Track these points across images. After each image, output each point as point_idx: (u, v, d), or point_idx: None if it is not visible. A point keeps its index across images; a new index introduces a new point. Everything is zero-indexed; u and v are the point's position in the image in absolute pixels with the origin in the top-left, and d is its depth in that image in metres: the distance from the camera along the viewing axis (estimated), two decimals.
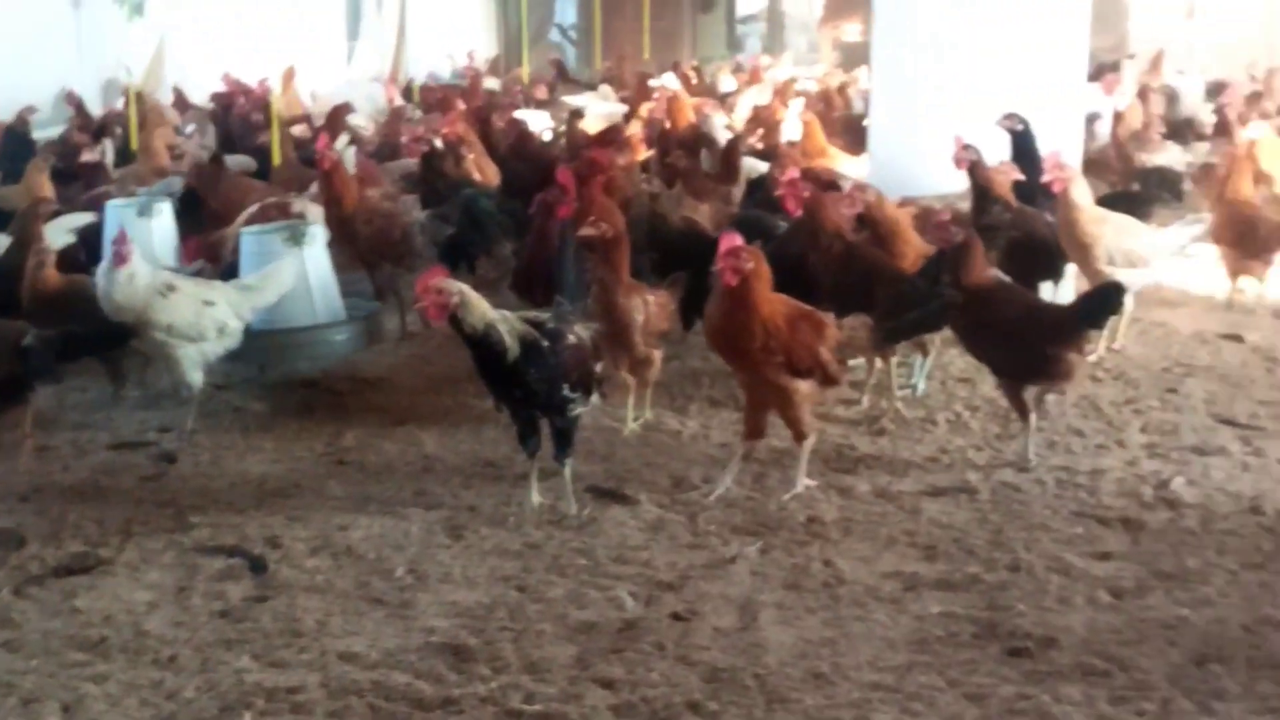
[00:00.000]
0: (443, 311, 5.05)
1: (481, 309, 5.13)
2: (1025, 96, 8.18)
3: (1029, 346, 5.82)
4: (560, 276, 5.78)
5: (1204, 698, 4.04)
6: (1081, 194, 7.15)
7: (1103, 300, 5.98)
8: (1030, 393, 6.00)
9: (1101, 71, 16.29)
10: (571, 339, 5.36)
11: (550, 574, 4.95)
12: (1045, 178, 7.23)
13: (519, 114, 11.86)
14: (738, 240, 5.44)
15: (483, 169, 9.72)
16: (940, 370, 7.27)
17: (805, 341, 5.50)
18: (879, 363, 6.78)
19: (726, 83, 17.05)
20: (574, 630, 4.52)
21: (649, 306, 6.31)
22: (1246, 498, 5.55)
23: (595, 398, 5.68)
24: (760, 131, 12.19)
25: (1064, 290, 7.62)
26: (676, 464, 6.06)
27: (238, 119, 12.83)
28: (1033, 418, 5.99)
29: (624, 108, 14.06)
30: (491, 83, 17.00)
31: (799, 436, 5.67)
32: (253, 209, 7.83)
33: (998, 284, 6.11)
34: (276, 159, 10.39)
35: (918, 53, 8.44)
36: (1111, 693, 4.08)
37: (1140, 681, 4.13)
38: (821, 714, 4.01)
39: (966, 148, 7.50)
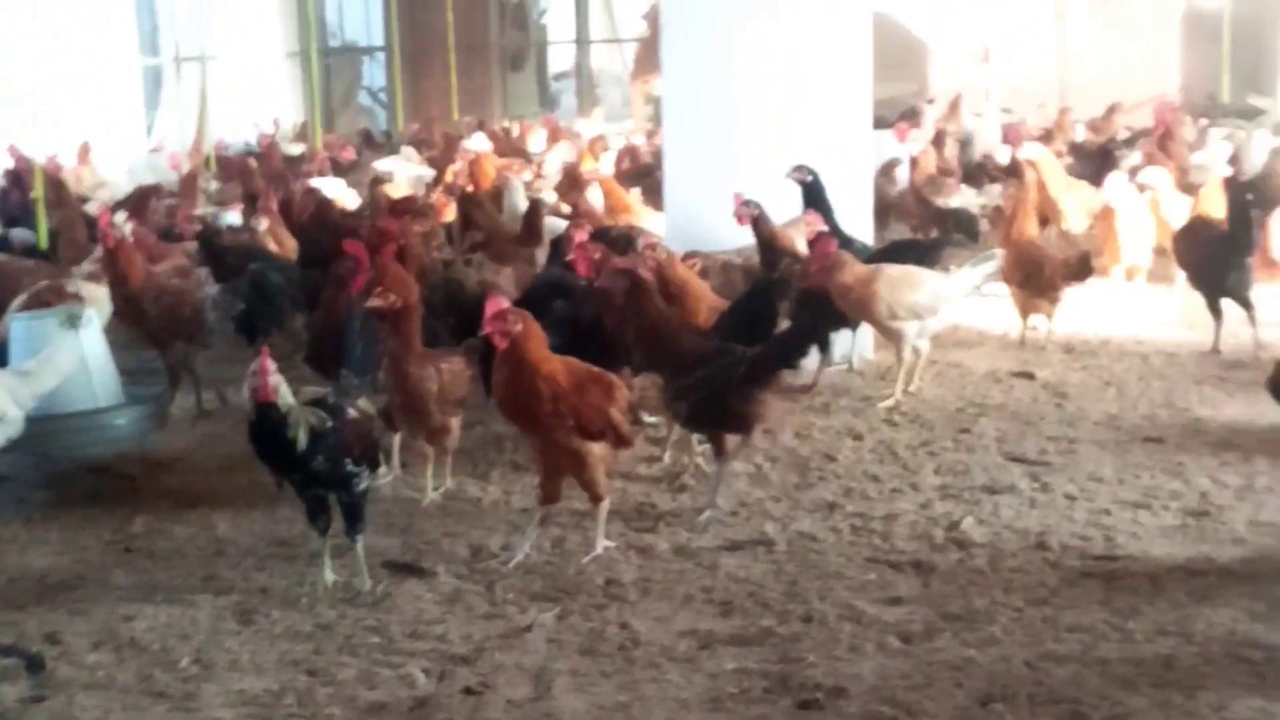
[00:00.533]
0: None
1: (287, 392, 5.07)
2: (814, 146, 8.33)
3: (713, 395, 5.86)
4: (346, 349, 5.70)
5: None
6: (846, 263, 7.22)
7: (793, 344, 5.98)
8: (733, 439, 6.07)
9: (904, 117, 16.76)
10: (353, 413, 5.27)
11: (342, 655, 4.84)
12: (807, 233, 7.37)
13: (315, 182, 11.73)
14: (503, 303, 5.43)
15: (280, 239, 9.57)
16: None
17: (595, 403, 5.49)
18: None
19: (537, 142, 17.09)
20: (364, 712, 4.42)
21: (443, 375, 6.25)
22: (1033, 534, 5.68)
23: (385, 470, 5.59)
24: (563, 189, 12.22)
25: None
26: (477, 532, 5.99)
27: (17, 198, 12.47)
28: (726, 465, 6.08)
29: (430, 171, 14.00)
30: (296, 148, 16.80)
31: (595, 499, 5.65)
32: (23, 296, 7.59)
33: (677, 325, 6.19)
34: (42, 241, 10.15)
35: (706, 106, 8.54)
36: None
37: None
38: None
39: (746, 203, 7.62)
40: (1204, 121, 13.99)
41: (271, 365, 5.01)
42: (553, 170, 13.47)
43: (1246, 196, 8.37)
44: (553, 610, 5.12)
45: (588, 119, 20.23)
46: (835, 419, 7.41)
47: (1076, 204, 10.75)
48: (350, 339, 5.74)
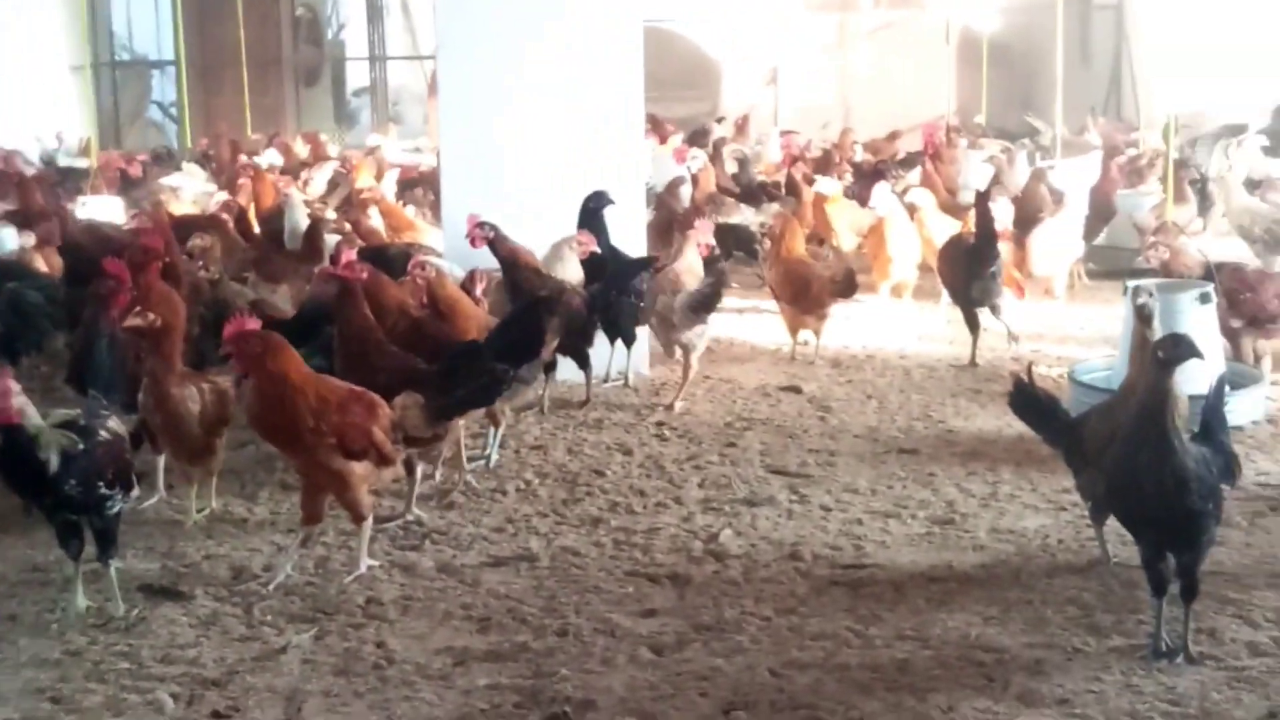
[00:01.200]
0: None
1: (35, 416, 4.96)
2: (588, 165, 8.46)
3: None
4: (94, 369, 5.61)
5: None
6: None
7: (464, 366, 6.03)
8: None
9: (697, 136, 17.02)
10: (104, 435, 5.19)
11: (90, 681, 4.75)
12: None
13: (90, 199, 11.44)
14: (245, 324, 5.43)
15: (48, 258, 9.33)
16: (515, 439, 7.40)
17: (356, 422, 5.50)
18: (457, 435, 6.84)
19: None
20: None
21: (206, 395, 6.18)
22: (788, 545, 5.84)
23: (138, 491, 5.51)
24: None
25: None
26: (240, 554, 5.94)
27: None
28: (419, 472, 6.22)
29: (214, 187, 13.75)
30: (81, 162, 16.35)
31: (357, 519, 5.65)
32: None
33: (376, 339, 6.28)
34: None
35: (481, 125, 8.59)
36: None
37: None
38: None
39: (480, 225, 7.70)
40: (964, 144, 14.50)
41: (15, 386, 4.91)
42: (319, 188, 13.34)
43: (989, 210, 8.73)
44: (309, 631, 5.11)
45: (385, 135, 20.07)
46: (606, 434, 7.52)
47: (847, 222, 11.07)
48: (98, 359, 5.64)
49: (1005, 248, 9.27)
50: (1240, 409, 6.92)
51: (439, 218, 10.99)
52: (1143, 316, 5.31)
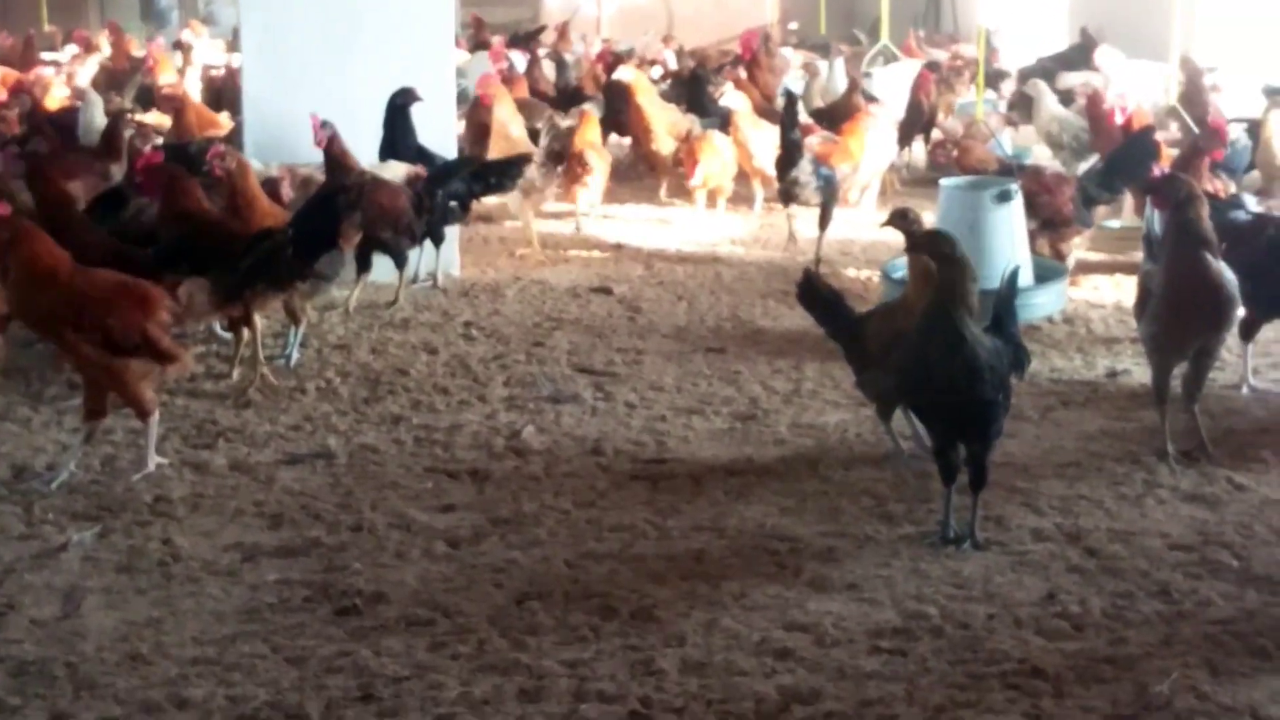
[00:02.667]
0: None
1: None
2: (394, 65, 8.26)
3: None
4: None
5: (519, 634, 4.18)
6: None
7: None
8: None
9: (518, 41, 16.78)
10: None
11: None
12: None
13: None
14: None
15: None
16: (318, 338, 7.23)
17: (126, 317, 5.28)
18: (247, 333, 6.65)
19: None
20: None
21: None
22: (590, 441, 5.81)
23: None
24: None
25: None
26: (22, 453, 5.71)
27: None
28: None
29: None
30: None
31: (141, 415, 5.47)
32: None
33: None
34: None
35: (282, 22, 8.31)
36: (432, 640, 4.16)
37: (461, 626, 4.23)
38: (133, 696, 3.88)
39: (324, 125, 7.52)
40: (789, 51, 14.55)
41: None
42: (84, 82, 12.81)
43: (795, 108, 8.71)
44: (93, 529, 4.94)
45: (196, 35, 19.39)
46: (413, 334, 7.39)
47: (664, 125, 11.00)
48: None
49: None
50: (1041, 303, 7.07)
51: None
52: (908, 238, 5.26)
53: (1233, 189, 7.98)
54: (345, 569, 4.60)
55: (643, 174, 11.56)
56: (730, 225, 10.10)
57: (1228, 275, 5.37)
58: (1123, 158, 7.68)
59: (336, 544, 4.82)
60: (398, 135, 8.12)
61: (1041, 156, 10.86)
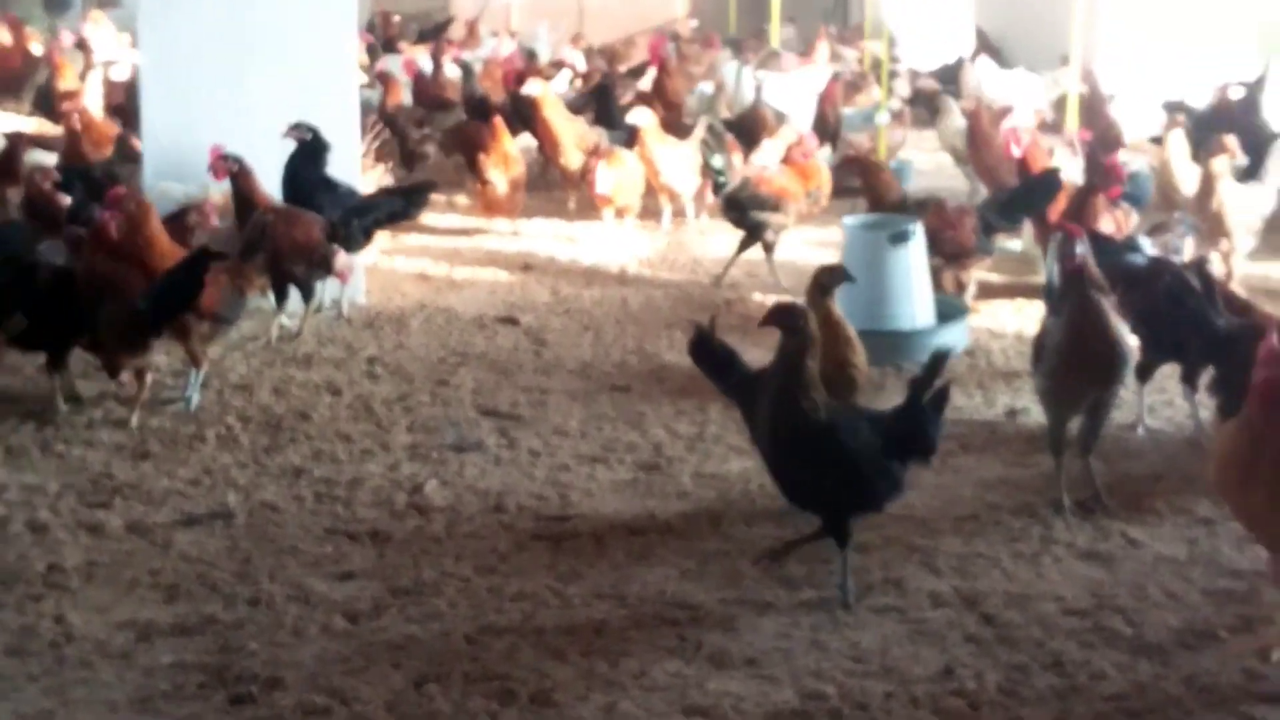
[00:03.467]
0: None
1: None
2: (296, 87, 8.18)
3: None
4: None
5: None
6: None
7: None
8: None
9: (426, 35, 16.67)
10: None
11: None
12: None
13: None
14: None
15: None
16: (219, 377, 7.14)
17: None
18: (149, 378, 6.57)
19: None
20: None
21: None
22: (494, 494, 5.79)
23: None
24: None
25: None
26: None
27: None
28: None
29: None
30: None
31: None
32: None
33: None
34: None
35: (184, 45, 8.18)
36: None
37: (359, 715, 4.20)
38: None
39: (224, 158, 7.43)
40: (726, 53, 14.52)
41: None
42: None
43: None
44: None
45: (97, 26, 18.97)
46: (316, 372, 7.32)
47: (573, 139, 10.96)
48: None
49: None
50: (948, 341, 7.10)
51: None
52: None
53: (1135, 220, 8.09)
54: (241, 650, 4.55)
55: (553, 183, 11.52)
56: (638, 244, 10.08)
57: (1122, 330, 5.45)
58: (1026, 193, 7.76)
59: (233, 620, 4.76)
60: (299, 168, 7.99)
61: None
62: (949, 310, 7.36)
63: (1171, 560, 5.15)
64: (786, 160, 9.09)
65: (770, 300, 8.41)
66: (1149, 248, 6.80)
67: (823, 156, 9.50)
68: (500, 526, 5.51)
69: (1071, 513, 5.48)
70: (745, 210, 8.67)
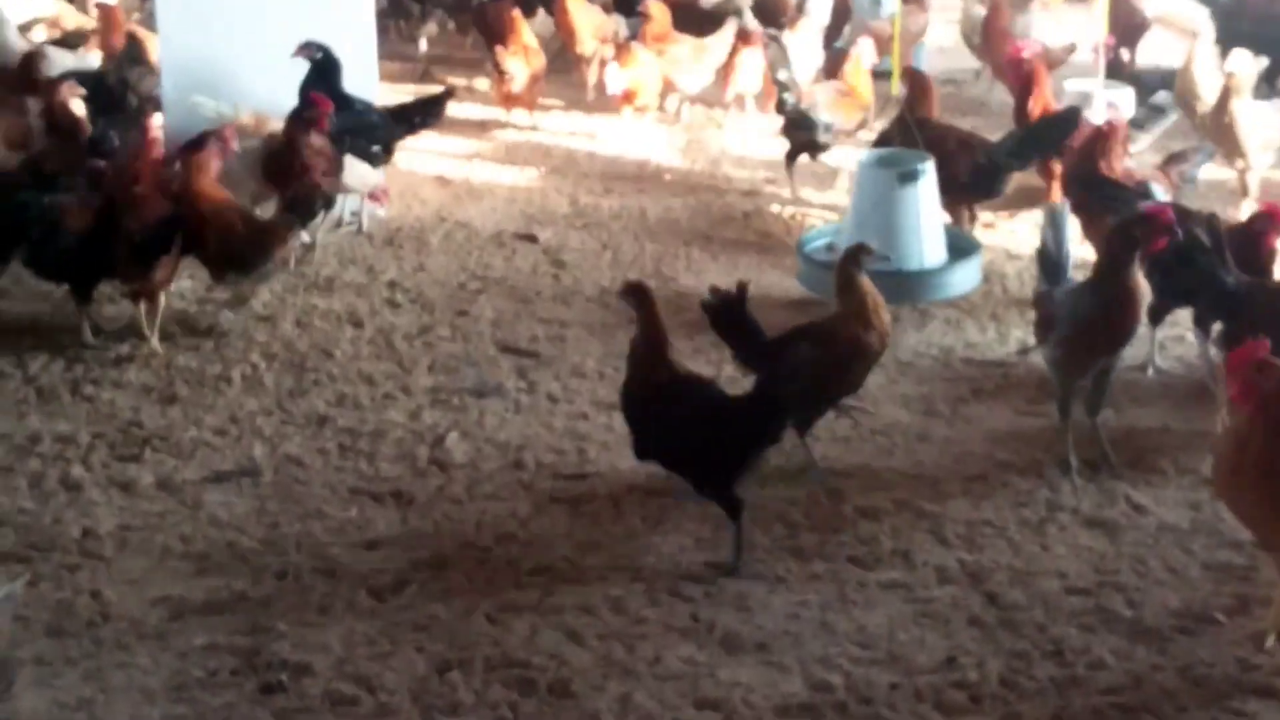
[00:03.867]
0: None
1: None
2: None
3: None
4: None
5: (441, 714, 4.34)
6: None
7: None
8: None
9: None
10: None
11: None
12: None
13: None
14: None
15: None
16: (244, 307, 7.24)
17: None
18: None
19: None
20: None
21: None
22: (513, 448, 5.91)
23: None
24: None
25: None
26: None
27: None
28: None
29: None
30: None
31: None
32: None
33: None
34: None
35: None
36: None
37: (385, 706, 4.38)
38: None
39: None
40: None
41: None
42: None
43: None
44: (21, 578, 4.98)
45: None
46: (337, 300, 7.40)
47: (590, 28, 10.87)
48: None
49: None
50: (956, 282, 7.14)
51: None
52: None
53: (1150, 142, 8.03)
54: (270, 630, 4.71)
55: (571, 65, 11.43)
56: (656, 139, 10.05)
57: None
58: (1042, 131, 7.71)
59: (262, 597, 4.92)
60: (313, 87, 7.96)
61: None
62: (962, 246, 7.33)
63: (1174, 529, 5.26)
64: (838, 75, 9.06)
65: (787, 214, 8.51)
66: (1161, 193, 6.78)
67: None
68: (520, 486, 5.64)
69: (1078, 474, 5.59)
70: (812, 129, 8.57)
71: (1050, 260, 5.82)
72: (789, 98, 8.65)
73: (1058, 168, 7.78)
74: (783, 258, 7.84)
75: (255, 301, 7.29)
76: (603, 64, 10.24)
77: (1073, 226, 6.01)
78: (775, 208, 8.67)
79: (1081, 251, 6.75)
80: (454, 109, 10.55)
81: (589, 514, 5.44)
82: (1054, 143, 7.46)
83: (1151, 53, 11.02)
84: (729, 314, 5.63)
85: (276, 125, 7.75)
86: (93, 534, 5.32)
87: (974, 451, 5.86)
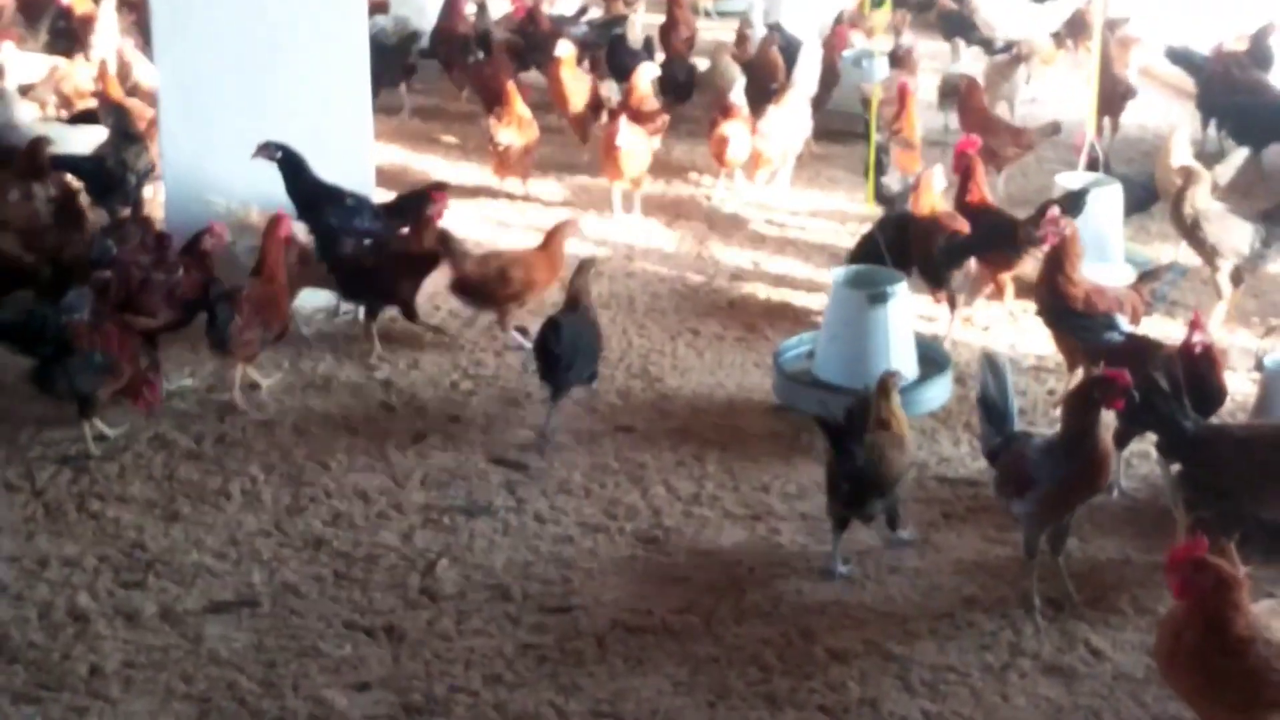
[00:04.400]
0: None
1: None
2: (313, 100, 8.38)
3: None
4: None
5: None
6: None
7: None
8: None
9: None
10: None
11: None
12: None
13: None
14: None
15: None
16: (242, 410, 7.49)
17: None
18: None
19: None
20: None
21: None
22: (498, 576, 6.16)
23: None
24: None
25: None
26: None
27: None
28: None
29: None
30: None
31: None
32: None
33: None
34: None
35: (202, 63, 8.34)
36: None
37: None
38: None
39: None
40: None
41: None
42: None
43: None
44: (34, 715, 5.25)
45: None
46: (333, 400, 7.65)
47: (581, 97, 11.13)
48: None
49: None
50: (931, 397, 7.37)
51: None
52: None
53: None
54: None
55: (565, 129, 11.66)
56: (646, 226, 10.27)
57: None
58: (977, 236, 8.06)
59: None
60: (291, 186, 8.18)
61: None
62: (934, 360, 7.55)
63: (1129, 678, 5.51)
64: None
65: (773, 299, 8.74)
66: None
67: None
68: (507, 620, 5.88)
69: (1040, 614, 5.84)
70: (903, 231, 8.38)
71: (996, 410, 6.04)
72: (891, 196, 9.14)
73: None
74: (765, 355, 8.07)
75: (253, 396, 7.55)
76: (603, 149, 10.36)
77: (1011, 374, 6.24)
78: (763, 293, 8.93)
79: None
80: (448, 172, 10.90)
81: (574, 653, 5.68)
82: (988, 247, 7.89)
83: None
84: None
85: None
86: (99, 672, 5.56)
87: (942, 586, 6.11)
